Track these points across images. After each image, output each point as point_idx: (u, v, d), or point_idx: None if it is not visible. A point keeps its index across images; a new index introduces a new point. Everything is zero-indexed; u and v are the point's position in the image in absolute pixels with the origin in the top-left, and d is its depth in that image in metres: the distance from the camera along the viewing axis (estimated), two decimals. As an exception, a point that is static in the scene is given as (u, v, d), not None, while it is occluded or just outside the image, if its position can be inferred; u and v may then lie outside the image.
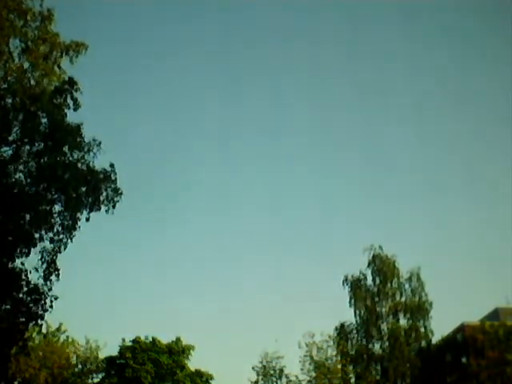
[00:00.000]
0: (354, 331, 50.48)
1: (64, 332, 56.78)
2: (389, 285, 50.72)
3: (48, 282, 24.06)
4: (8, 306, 23.99)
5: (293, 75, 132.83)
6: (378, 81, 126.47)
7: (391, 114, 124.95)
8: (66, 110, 25.09)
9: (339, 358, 51.09)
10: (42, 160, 24.52)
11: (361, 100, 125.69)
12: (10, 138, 24.39)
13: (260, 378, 54.82)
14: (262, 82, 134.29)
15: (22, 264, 23.94)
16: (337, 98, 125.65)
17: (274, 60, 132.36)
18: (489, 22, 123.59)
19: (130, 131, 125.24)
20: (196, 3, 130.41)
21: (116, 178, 25.37)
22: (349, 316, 50.55)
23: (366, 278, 51.12)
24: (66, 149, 24.50)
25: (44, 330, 48.49)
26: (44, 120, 24.67)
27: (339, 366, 51.25)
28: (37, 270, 24.23)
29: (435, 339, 49.71)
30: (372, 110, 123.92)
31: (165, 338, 62.96)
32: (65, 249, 24.54)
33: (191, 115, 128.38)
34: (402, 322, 49.91)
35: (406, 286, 50.77)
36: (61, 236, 24.44)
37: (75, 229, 24.70)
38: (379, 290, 50.57)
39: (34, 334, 45.79)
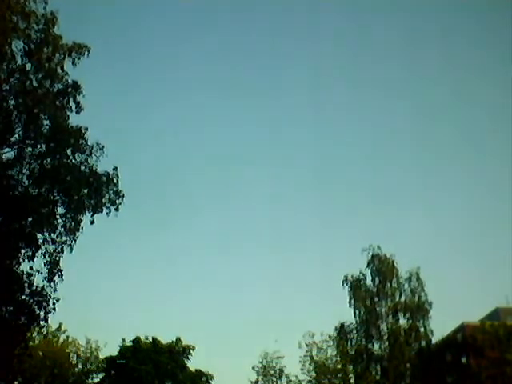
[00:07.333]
0: (354, 331, 50.52)
1: (64, 332, 56.72)
2: (388, 285, 50.74)
3: (52, 284, 24.11)
4: (11, 308, 23.96)
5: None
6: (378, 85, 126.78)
7: (390, 117, 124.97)
8: (68, 113, 25.19)
9: (339, 358, 51.10)
10: (45, 162, 24.54)
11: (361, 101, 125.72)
12: (13, 140, 24.34)
13: (260, 377, 54.87)
14: (262, 84, 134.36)
15: (31, 268, 23.99)
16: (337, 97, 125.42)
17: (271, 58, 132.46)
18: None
19: (131, 133, 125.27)
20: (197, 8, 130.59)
21: (118, 181, 25.40)
22: (349, 316, 50.70)
23: (365, 278, 51.22)
24: (68, 151, 24.58)
25: (44, 330, 48.27)
26: (46, 122, 24.69)
27: (339, 366, 51.27)
28: (38, 271, 24.19)
29: (435, 339, 49.81)
30: (372, 114, 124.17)
31: (165, 338, 63.18)
32: (71, 251, 24.61)
33: (193, 117, 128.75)
34: (402, 321, 49.96)
35: (406, 285, 50.81)
36: (63, 238, 24.47)
37: (78, 230, 24.73)
38: (379, 289, 50.59)
39: (35, 334, 45.67)
